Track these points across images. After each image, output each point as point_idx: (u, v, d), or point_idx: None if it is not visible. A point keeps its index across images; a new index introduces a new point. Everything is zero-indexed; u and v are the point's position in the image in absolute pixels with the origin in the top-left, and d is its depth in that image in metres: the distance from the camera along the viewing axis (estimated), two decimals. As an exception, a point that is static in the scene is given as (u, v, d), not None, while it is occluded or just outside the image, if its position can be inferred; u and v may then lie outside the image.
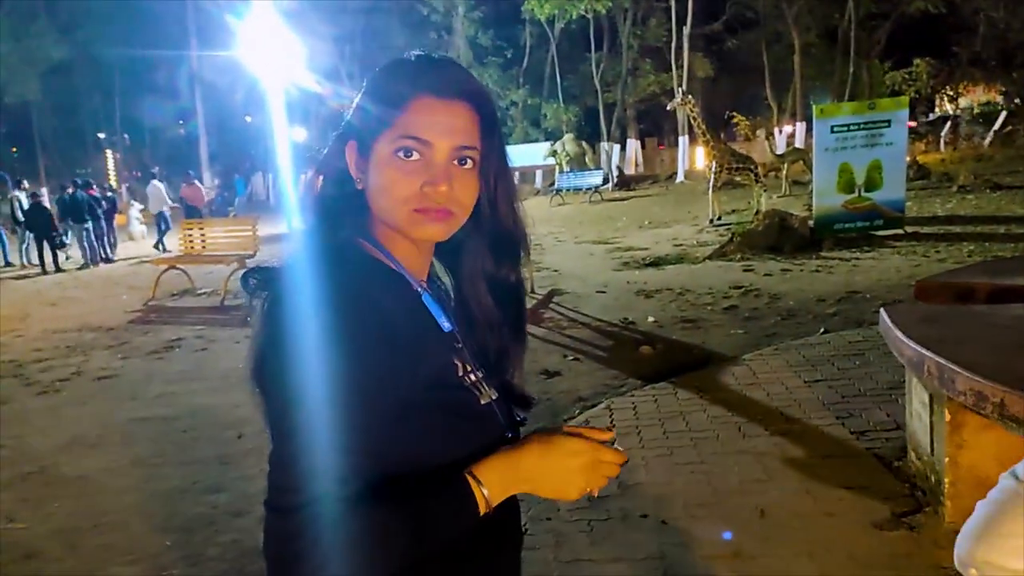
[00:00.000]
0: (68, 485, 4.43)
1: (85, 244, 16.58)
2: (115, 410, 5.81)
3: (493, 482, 1.02)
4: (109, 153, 43.06)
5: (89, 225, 16.58)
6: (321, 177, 1.12)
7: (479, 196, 1.09)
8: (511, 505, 1.12)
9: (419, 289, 1.09)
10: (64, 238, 16.53)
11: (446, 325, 1.09)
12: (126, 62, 36.10)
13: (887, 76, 30.37)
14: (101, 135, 43.39)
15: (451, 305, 1.16)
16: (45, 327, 9.41)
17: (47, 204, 18.05)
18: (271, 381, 0.96)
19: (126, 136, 43.40)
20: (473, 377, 1.10)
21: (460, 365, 1.08)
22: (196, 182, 21.72)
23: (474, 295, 1.16)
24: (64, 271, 15.92)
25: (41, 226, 16.13)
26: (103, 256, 17.30)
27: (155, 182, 20.34)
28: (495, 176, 1.11)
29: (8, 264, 17.84)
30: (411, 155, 1.02)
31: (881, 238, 10.98)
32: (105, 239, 17.65)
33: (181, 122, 41.01)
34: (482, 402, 1.09)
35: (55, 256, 16.18)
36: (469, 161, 1.05)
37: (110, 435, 5.24)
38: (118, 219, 19.11)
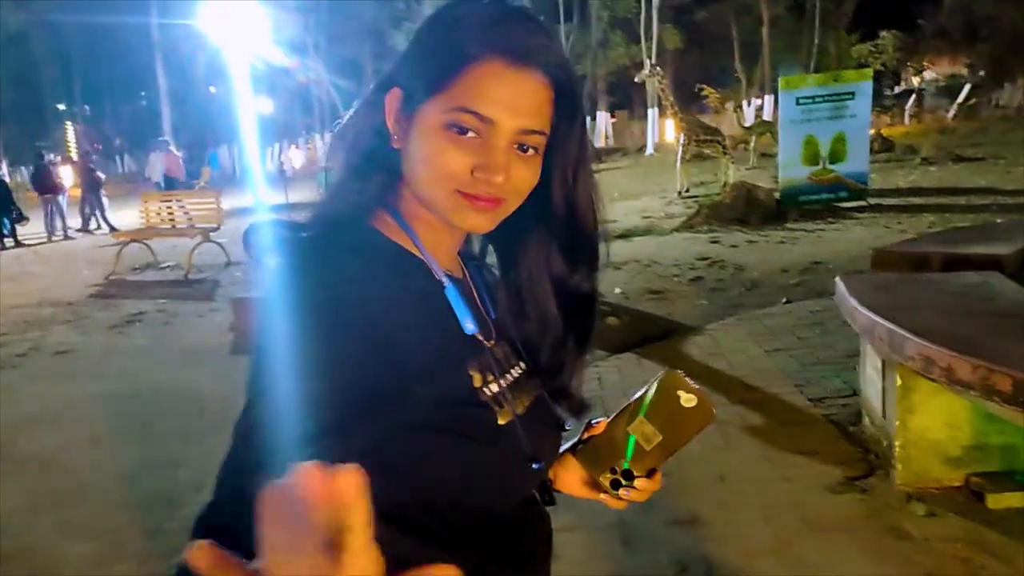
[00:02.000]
0: (25, 463, 4.37)
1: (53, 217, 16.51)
2: (73, 386, 5.72)
3: None
4: (69, 125, 42.12)
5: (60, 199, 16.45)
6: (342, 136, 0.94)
7: (554, 189, 0.91)
8: (542, 514, 0.99)
9: (443, 280, 0.90)
10: (23, 212, 16.19)
11: (469, 327, 0.90)
12: (86, 31, 35.26)
13: (854, 48, 30.63)
14: (61, 106, 42.42)
15: (484, 297, 0.99)
16: (2, 302, 9.22)
17: (5, 177, 17.64)
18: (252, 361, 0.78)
19: (86, 107, 42.48)
20: (495, 388, 0.89)
21: (478, 374, 0.88)
22: (174, 150, 20.87)
23: (534, 298, 0.97)
24: (25, 245, 15.60)
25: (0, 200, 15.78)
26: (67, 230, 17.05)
27: (173, 150, 20.12)
28: (575, 167, 0.92)
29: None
30: (466, 133, 0.83)
31: (845, 210, 11.11)
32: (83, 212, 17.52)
33: (143, 93, 40.23)
34: (500, 421, 0.87)
35: (14, 230, 15.83)
36: (532, 149, 0.86)
37: (68, 411, 5.17)
38: (71, 192, 18.65)
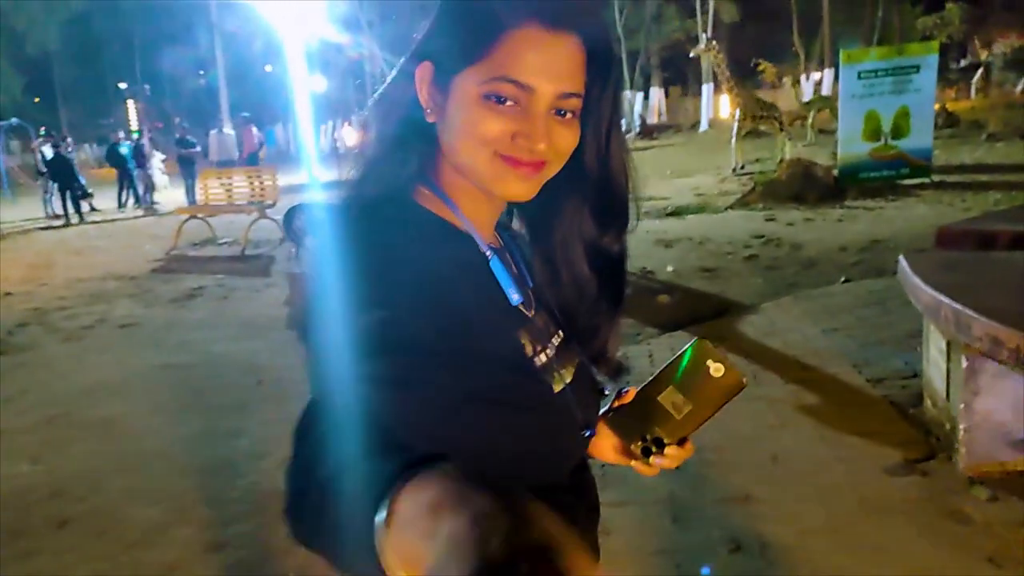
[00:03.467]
0: (91, 428, 4.53)
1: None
2: (137, 357, 5.90)
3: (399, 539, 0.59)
4: (131, 103, 43.11)
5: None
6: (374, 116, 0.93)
7: (586, 152, 0.89)
8: (591, 481, 0.99)
9: (487, 252, 0.90)
10: (88, 188, 16.69)
11: (514, 297, 0.89)
12: (146, 11, 35.99)
13: (918, 21, 29.57)
14: (122, 85, 43.42)
15: (521, 267, 0.98)
16: (69, 276, 9.53)
17: (70, 154, 18.09)
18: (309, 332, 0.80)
19: (147, 86, 43.39)
20: (544, 357, 0.90)
21: (529, 344, 0.89)
22: (253, 127, 20.13)
23: (568, 263, 0.96)
24: (89, 222, 16.06)
25: (64, 176, 16.25)
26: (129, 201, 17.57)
27: (226, 129, 18.94)
28: (607, 128, 0.90)
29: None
30: (505, 102, 0.81)
31: (907, 187, 10.80)
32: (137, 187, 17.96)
33: (201, 72, 40.92)
34: (555, 389, 0.89)
35: (78, 206, 16.32)
36: (570, 113, 0.85)
37: (132, 381, 5.33)
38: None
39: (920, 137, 10.92)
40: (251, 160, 18.16)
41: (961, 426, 3.09)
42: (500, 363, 0.83)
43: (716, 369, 0.90)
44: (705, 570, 2.80)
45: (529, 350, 0.88)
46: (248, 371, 5.23)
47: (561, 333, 0.96)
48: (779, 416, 3.81)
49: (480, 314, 0.84)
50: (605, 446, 1.04)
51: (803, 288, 6.18)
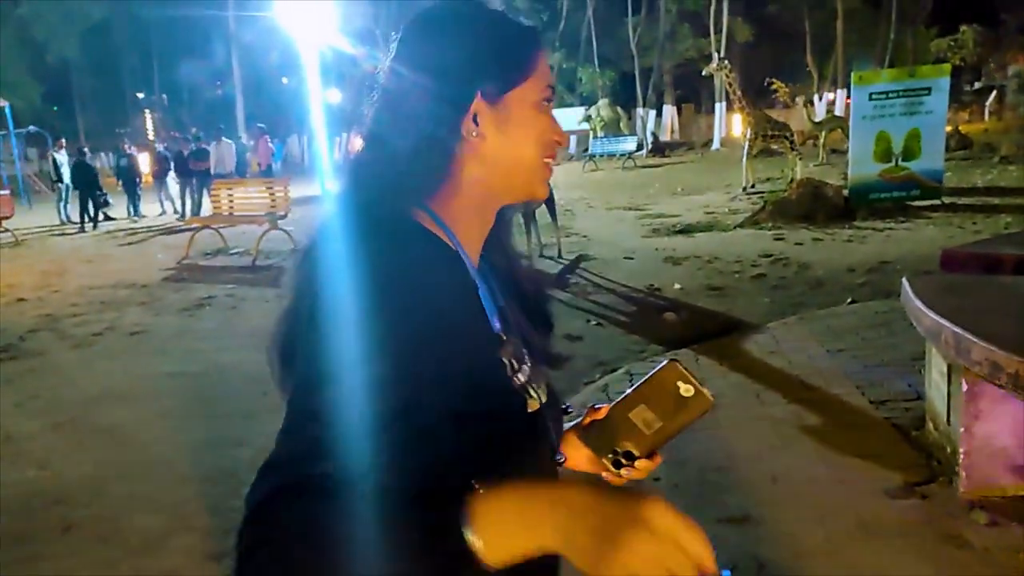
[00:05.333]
0: (97, 435, 4.57)
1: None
2: (145, 364, 5.95)
3: (499, 525, 0.71)
4: (148, 113, 43.53)
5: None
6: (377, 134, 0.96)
7: None
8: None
9: (475, 278, 0.93)
10: (108, 197, 16.86)
11: (496, 323, 0.94)
12: (164, 22, 36.34)
13: (932, 43, 29.56)
14: (140, 95, 43.86)
15: (492, 288, 1.00)
16: (81, 283, 9.62)
17: (93, 162, 18.30)
18: (308, 349, 0.81)
19: (164, 96, 43.81)
20: (522, 377, 0.94)
21: (508, 363, 0.92)
22: (267, 137, 20.10)
23: (522, 275, 1.07)
24: (103, 230, 16.20)
25: (87, 184, 16.46)
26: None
27: (225, 139, 17.84)
28: None
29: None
30: (549, 103, 0.98)
31: (917, 208, 10.78)
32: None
33: (218, 83, 41.27)
34: (530, 408, 0.92)
35: (96, 214, 16.49)
36: None
37: (140, 388, 5.38)
38: (145, 179, 19.16)
39: (931, 159, 10.91)
40: (267, 171, 18.28)
41: (961, 450, 3.08)
42: (489, 380, 0.88)
43: (686, 390, 0.92)
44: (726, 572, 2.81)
45: (510, 369, 0.92)
46: (255, 381, 5.25)
47: (527, 364, 0.98)
48: (781, 436, 3.81)
49: (477, 331, 0.89)
50: (578, 457, 1.07)
51: (810, 308, 6.17)
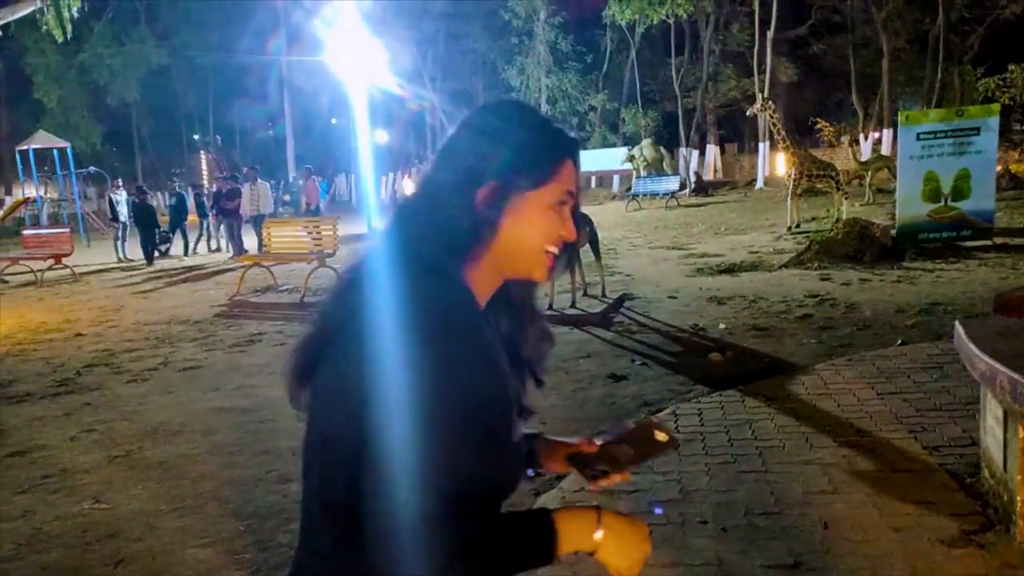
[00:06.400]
0: (151, 469, 4.67)
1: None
2: (198, 400, 6.08)
3: (570, 532, 1.08)
4: (203, 154, 44.80)
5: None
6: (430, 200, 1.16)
7: None
8: None
9: (485, 328, 1.13)
10: (169, 234, 17.40)
11: (503, 364, 1.14)
12: (220, 67, 37.62)
13: (980, 82, 29.09)
14: (195, 136, 45.20)
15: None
16: (137, 319, 9.88)
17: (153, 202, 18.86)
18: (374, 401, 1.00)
19: (218, 137, 45.09)
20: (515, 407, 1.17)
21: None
22: (314, 177, 20.53)
23: (520, 324, 1.25)
24: (158, 268, 16.65)
25: (146, 223, 17.03)
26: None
27: (261, 180, 17.51)
28: None
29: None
30: (566, 205, 1.15)
31: (967, 249, 10.59)
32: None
33: (270, 124, 42.40)
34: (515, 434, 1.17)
35: (153, 252, 17.02)
36: None
37: (192, 423, 5.49)
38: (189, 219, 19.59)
39: (982, 199, 10.74)
40: (315, 211, 18.62)
41: (1019, 498, 3.01)
42: (509, 408, 1.11)
43: (661, 436, 1.25)
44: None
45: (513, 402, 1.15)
46: (303, 417, 5.33)
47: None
48: (831, 481, 3.76)
49: (503, 371, 1.10)
50: (556, 460, 1.36)
51: (858, 350, 6.09)
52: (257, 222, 15.79)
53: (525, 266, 1.16)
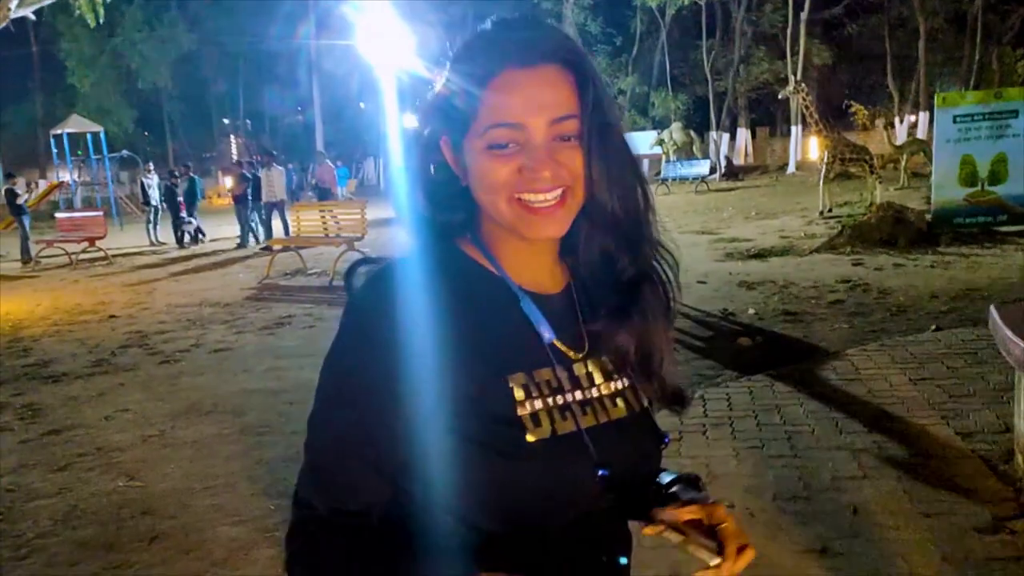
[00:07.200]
0: (183, 448, 4.74)
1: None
2: (228, 381, 6.16)
3: None
4: (232, 138, 45.17)
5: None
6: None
7: (588, 170, 0.91)
8: (605, 531, 0.98)
9: (519, 293, 0.95)
10: (192, 218, 17.58)
11: (547, 335, 0.95)
12: (250, 52, 37.83)
13: (1020, 64, 28.43)
14: (226, 121, 45.57)
15: (584, 309, 1.01)
16: (169, 301, 10.02)
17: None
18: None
19: (248, 122, 45.41)
20: (539, 404, 0.92)
21: (522, 391, 0.91)
22: (328, 162, 20.55)
23: (596, 287, 1.01)
24: (189, 251, 16.84)
25: (177, 207, 17.27)
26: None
27: (277, 166, 17.24)
28: (600, 143, 0.91)
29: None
30: (506, 147, 0.88)
31: (1004, 234, 10.38)
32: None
33: (299, 109, 42.59)
34: (529, 438, 0.89)
35: (183, 235, 17.24)
36: (572, 136, 0.90)
37: (223, 404, 5.56)
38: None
39: (1019, 183, 10.50)
40: (321, 195, 18.64)
41: (1055, 486, 2.96)
42: (476, 403, 0.89)
43: (703, 552, 0.93)
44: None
45: (520, 395, 0.91)
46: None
47: (619, 383, 1.00)
48: (862, 467, 3.72)
49: (476, 351, 0.90)
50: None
51: (890, 335, 6.01)
52: (272, 209, 16.10)
53: (508, 224, 0.91)
